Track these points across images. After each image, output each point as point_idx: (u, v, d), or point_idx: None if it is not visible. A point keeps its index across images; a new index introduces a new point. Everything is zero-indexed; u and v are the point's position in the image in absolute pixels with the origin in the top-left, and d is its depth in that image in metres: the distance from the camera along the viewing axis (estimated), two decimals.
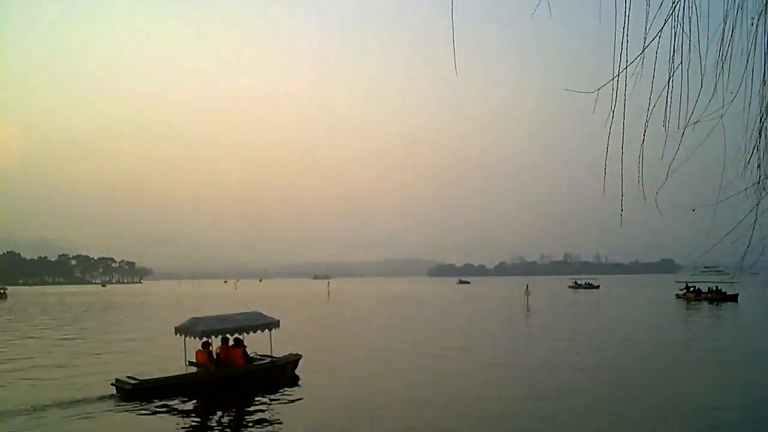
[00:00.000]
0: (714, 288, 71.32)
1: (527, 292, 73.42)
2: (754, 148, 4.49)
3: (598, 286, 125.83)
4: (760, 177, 4.51)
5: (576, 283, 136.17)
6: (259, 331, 20.58)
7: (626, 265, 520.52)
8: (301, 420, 15.34)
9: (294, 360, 21.36)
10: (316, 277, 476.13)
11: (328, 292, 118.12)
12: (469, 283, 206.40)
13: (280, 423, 14.97)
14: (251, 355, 20.20)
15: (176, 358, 21.45)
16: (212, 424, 14.85)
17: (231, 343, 19.89)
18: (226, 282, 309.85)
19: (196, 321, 19.71)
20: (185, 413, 15.86)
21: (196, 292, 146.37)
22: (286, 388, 19.07)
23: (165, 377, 18.13)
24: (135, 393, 17.30)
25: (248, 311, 22.01)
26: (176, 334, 19.97)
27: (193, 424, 14.89)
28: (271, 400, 17.46)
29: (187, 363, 19.76)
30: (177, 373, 18.57)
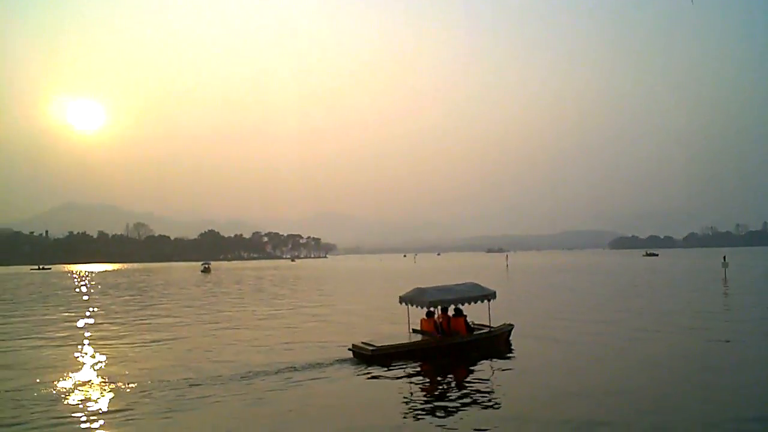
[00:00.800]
0: None
1: (725, 264, 66.04)
2: None
3: None
4: None
5: None
6: (478, 302, 21.02)
7: None
8: (519, 387, 15.38)
9: (509, 330, 21.98)
10: (489, 250, 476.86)
11: (507, 265, 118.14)
12: (657, 255, 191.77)
13: (500, 388, 15.19)
14: (471, 325, 21.04)
15: (388, 324, 24.49)
16: (442, 389, 15.29)
17: (451, 312, 20.69)
18: (405, 256, 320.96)
19: (421, 291, 20.33)
20: (417, 378, 16.44)
21: (379, 265, 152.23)
22: (502, 357, 19.35)
23: (399, 344, 18.96)
24: (373, 358, 18.23)
25: (466, 282, 22.30)
26: (401, 303, 20.90)
27: (426, 388, 15.39)
28: (491, 367, 17.84)
29: (411, 330, 20.88)
30: (405, 341, 19.36)
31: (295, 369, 17.85)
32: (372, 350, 18.39)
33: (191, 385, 16.09)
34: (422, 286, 21.09)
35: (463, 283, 22.01)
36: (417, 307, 20.37)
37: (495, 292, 21.73)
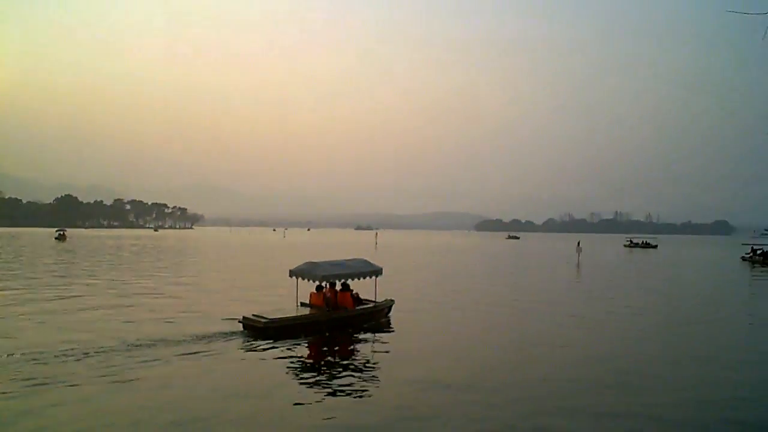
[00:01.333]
0: None
1: (578, 249, 71.30)
2: None
3: (655, 246, 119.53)
4: None
5: (632, 242, 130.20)
6: (366, 278, 21.79)
7: (678, 225, 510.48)
8: (401, 356, 16.28)
9: (390, 305, 22.88)
10: (358, 227, 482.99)
11: (376, 243, 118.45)
12: (518, 238, 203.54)
13: (385, 356, 16.24)
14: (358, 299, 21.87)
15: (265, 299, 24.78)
16: (333, 361, 15.75)
17: (339, 287, 21.24)
18: (274, 230, 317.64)
19: (314, 265, 20.57)
20: (308, 351, 16.74)
21: (248, 238, 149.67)
22: (384, 330, 20.25)
23: (291, 317, 19.06)
24: (266, 330, 18.17)
25: (355, 258, 23.14)
26: (291, 276, 20.85)
27: (317, 361, 15.72)
28: (375, 339, 18.66)
29: (300, 304, 21.04)
30: (294, 314, 19.45)
31: (182, 342, 17.13)
32: (265, 322, 18.34)
33: (38, 363, 14.49)
34: (314, 261, 21.41)
35: (353, 259, 22.73)
36: (308, 280, 20.47)
37: (382, 269, 22.81)
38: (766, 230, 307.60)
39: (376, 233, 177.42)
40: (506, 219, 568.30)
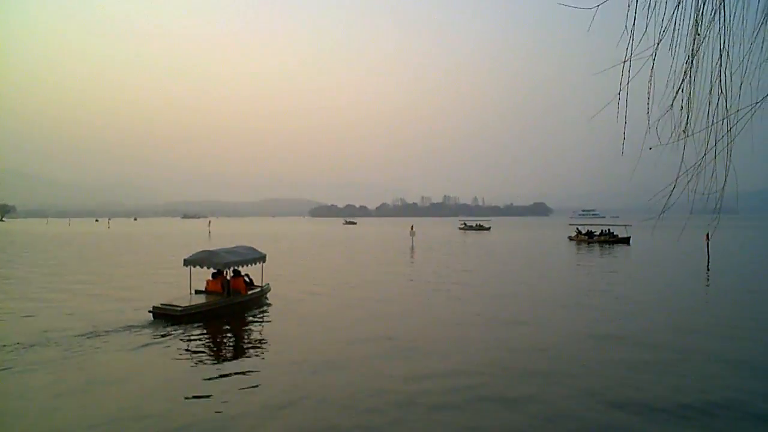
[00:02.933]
0: (606, 231, 73.21)
1: (412, 233, 73.21)
2: (679, 90, 4.46)
3: (488, 228, 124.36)
4: (687, 119, 4.48)
5: (466, 224, 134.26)
6: (256, 264, 23.39)
7: (502, 208, 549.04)
8: (288, 338, 17.14)
9: (269, 289, 24.61)
10: (185, 216, 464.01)
11: (209, 232, 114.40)
12: (355, 223, 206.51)
13: (274, 338, 17.19)
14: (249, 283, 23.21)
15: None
16: (241, 343, 16.70)
17: (231, 274, 22.48)
18: (97, 221, 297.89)
19: (212, 254, 21.37)
20: (225, 335, 17.68)
21: (67, 231, 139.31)
22: (267, 311, 21.62)
23: (202, 303, 19.93)
24: (182, 318, 18.80)
25: (244, 245, 24.49)
26: (186, 265, 21.14)
27: (224, 343, 16.75)
28: (265, 319, 20.17)
29: (194, 291, 21.81)
30: (200, 301, 20.21)
31: (95, 335, 17.04)
32: (181, 310, 18.97)
33: None
34: (210, 249, 22.31)
35: (242, 246, 24.06)
36: (205, 268, 21.27)
37: (266, 255, 24.35)
38: (583, 211, 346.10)
39: (209, 221, 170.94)
40: (341, 204, 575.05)
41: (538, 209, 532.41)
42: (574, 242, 73.05)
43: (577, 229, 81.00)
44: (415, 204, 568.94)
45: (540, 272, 35.73)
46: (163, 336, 17.01)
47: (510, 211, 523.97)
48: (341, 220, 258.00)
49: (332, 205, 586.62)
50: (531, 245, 67.90)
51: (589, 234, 75.36)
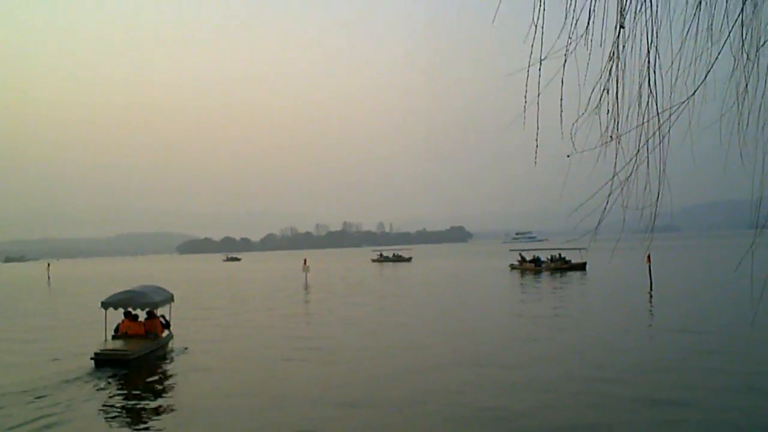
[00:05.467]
0: (558, 256, 72.64)
1: (305, 268, 70.96)
2: (604, 90, 4.61)
3: (409, 259, 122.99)
4: (616, 123, 4.65)
5: (381, 255, 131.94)
6: (166, 305, 25.36)
7: (413, 234, 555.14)
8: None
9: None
10: (7, 259, 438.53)
11: (48, 278, 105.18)
12: (239, 259, 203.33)
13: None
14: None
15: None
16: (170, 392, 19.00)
17: (144, 315, 24.10)
18: None
19: (135, 294, 23.59)
20: (167, 382, 20.29)
21: None
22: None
23: (144, 346, 22.26)
24: (131, 362, 21.10)
25: (152, 285, 27.02)
26: (105, 307, 23.04)
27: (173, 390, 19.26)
28: (186, 362, 22.85)
29: (111, 336, 23.19)
30: (145, 344, 22.56)
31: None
32: (130, 354, 21.19)
33: None
34: (129, 289, 24.58)
35: (151, 285, 26.63)
36: (130, 309, 23.33)
37: (173, 295, 26.47)
38: (517, 234, 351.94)
39: (48, 264, 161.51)
40: (216, 237, 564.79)
41: (456, 234, 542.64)
42: (517, 271, 73.61)
43: (521, 255, 79.22)
44: (308, 234, 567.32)
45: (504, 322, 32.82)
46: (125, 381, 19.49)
47: (423, 237, 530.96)
48: (219, 256, 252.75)
49: (206, 238, 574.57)
50: (469, 279, 67.51)
51: (536, 261, 75.42)
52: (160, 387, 19.47)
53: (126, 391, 18.46)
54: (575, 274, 62.41)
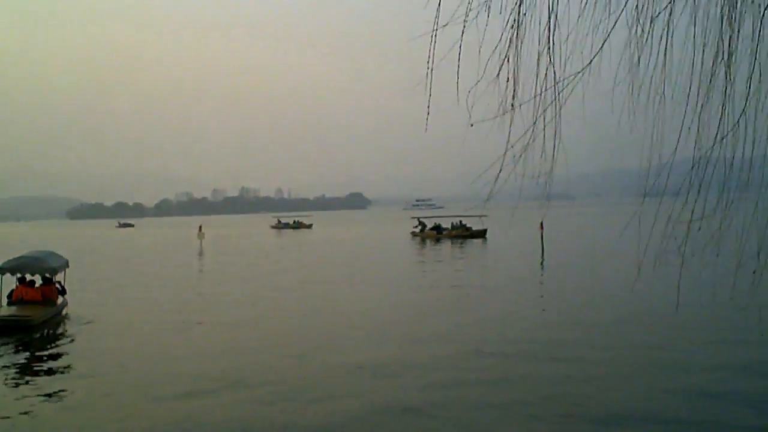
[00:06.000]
0: (458, 223, 72.21)
1: (200, 235, 71.12)
2: (504, 59, 4.61)
3: (310, 225, 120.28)
4: (514, 92, 4.64)
5: (280, 221, 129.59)
6: (62, 271, 24.99)
7: (312, 200, 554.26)
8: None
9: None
10: None
11: None
12: (132, 226, 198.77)
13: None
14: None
15: None
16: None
17: (39, 281, 23.67)
18: None
19: (34, 259, 23.39)
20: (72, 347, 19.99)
21: None
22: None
23: (45, 311, 22.28)
24: (37, 327, 21.22)
25: (47, 250, 26.93)
26: (2, 274, 22.66)
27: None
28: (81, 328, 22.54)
29: (6, 302, 22.75)
30: (44, 309, 22.34)
31: None
32: (37, 319, 21.23)
33: None
34: (25, 254, 24.19)
35: (47, 251, 26.57)
36: (27, 274, 23.14)
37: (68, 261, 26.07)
38: (417, 200, 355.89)
39: None
40: (108, 202, 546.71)
41: (355, 201, 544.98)
42: (418, 239, 73.62)
43: (421, 222, 78.75)
44: (205, 199, 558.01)
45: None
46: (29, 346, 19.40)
47: (322, 203, 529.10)
48: (110, 222, 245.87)
49: (97, 203, 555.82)
50: (370, 245, 67.58)
51: (438, 228, 75.01)
52: (66, 350, 19.36)
53: (33, 355, 18.57)
54: (476, 242, 62.82)
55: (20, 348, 19.14)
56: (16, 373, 16.46)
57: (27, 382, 15.66)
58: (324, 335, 20.41)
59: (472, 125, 4.62)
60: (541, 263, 40.03)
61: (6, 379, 15.78)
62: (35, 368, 17.17)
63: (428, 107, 4.85)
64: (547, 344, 17.79)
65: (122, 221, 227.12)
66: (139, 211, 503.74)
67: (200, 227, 74.40)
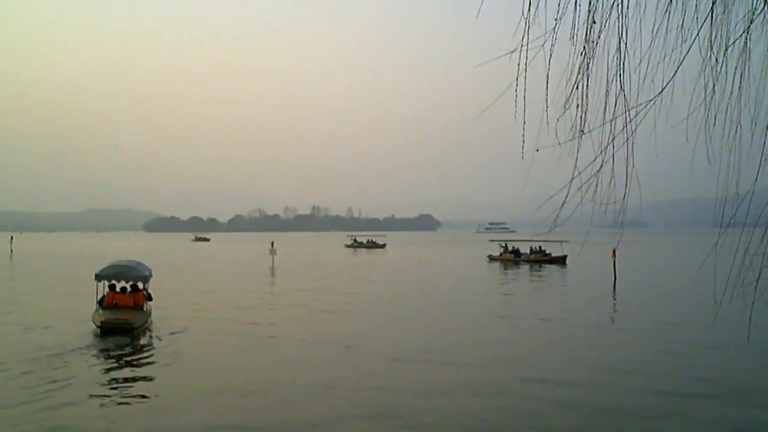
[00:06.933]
0: (538, 248, 70.98)
1: (272, 251, 70.51)
2: (575, 86, 4.71)
3: (383, 245, 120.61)
4: (584, 117, 4.75)
5: (355, 240, 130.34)
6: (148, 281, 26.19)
7: (381, 220, 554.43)
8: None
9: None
10: None
11: (11, 251, 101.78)
12: (208, 240, 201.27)
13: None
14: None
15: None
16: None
17: (129, 289, 25.19)
18: None
19: (126, 268, 25.20)
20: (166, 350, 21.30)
21: None
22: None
23: (142, 316, 24.19)
24: (136, 330, 22.99)
25: (135, 260, 28.28)
26: (98, 280, 24.70)
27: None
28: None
29: (101, 308, 23.93)
30: (143, 313, 24.46)
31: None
32: (136, 323, 23.15)
33: None
34: (122, 262, 26.61)
35: (135, 260, 27.90)
36: (124, 282, 24.98)
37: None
38: (490, 224, 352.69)
39: (11, 237, 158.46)
40: (184, 216, 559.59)
41: (425, 222, 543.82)
42: (497, 262, 71.76)
43: (504, 245, 76.94)
44: (276, 216, 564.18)
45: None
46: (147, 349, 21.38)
47: (392, 224, 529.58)
48: (187, 235, 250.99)
49: (173, 217, 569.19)
50: (451, 268, 65.48)
51: (516, 252, 73.84)
52: (165, 352, 20.70)
53: (135, 357, 19.84)
54: (555, 268, 61.20)
55: (126, 347, 20.92)
56: (126, 373, 17.80)
57: (144, 377, 17.33)
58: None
59: (537, 150, 4.66)
60: (613, 291, 39.15)
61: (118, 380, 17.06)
62: (144, 371, 18.19)
63: (523, 130, 4.80)
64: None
65: (199, 235, 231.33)
66: (213, 225, 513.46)
67: (272, 243, 74.34)
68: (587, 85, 4.69)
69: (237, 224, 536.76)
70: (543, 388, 15.93)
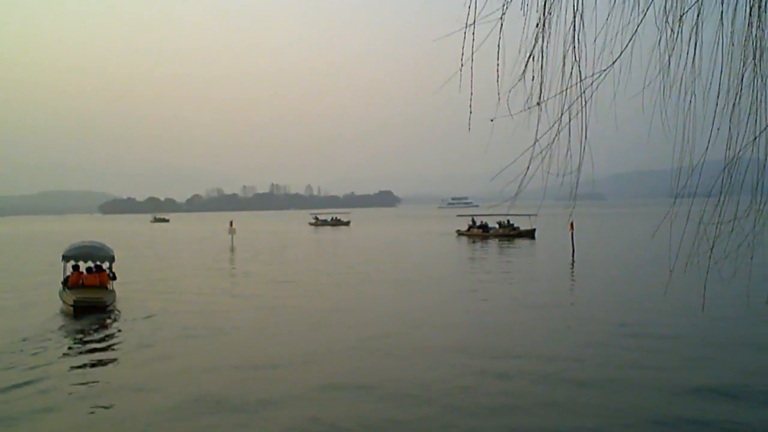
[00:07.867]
0: (506, 222, 69.49)
1: (231, 230, 69.88)
2: (530, 57, 4.65)
3: (348, 222, 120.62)
4: (540, 89, 4.67)
5: (318, 218, 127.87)
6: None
7: (341, 197, 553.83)
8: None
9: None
10: None
11: None
12: (167, 221, 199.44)
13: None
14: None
15: None
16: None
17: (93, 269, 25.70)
18: None
19: (93, 248, 25.88)
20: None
21: None
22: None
23: (109, 295, 24.38)
24: (107, 307, 23.39)
25: (98, 241, 28.53)
26: (66, 261, 25.47)
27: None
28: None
29: (67, 289, 24.30)
30: (109, 292, 24.66)
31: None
32: (107, 301, 23.55)
33: None
34: (87, 243, 27.15)
35: (99, 241, 28.14)
36: (90, 262, 25.54)
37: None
38: (453, 199, 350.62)
39: None
40: (140, 197, 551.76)
41: (385, 198, 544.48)
42: (464, 237, 72.13)
43: (473, 220, 74.92)
44: (235, 195, 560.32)
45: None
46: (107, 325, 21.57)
47: (352, 201, 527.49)
48: (145, 217, 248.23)
49: (129, 198, 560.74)
50: (417, 244, 66.16)
51: (484, 227, 73.00)
52: (139, 328, 21.21)
53: (107, 338, 19.94)
54: (523, 242, 61.18)
55: (100, 325, 21.40)
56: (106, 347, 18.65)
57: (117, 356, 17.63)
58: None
59: (492, 120, 4.66)
60: (572, 263, 39.55)
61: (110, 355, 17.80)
62: (118, 344, 19.00)
63: (470, 107, 4.80)
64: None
65: (158, 216, 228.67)
66: (171, 206, 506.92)
67: (231, 223, 74.16)
68: (544, 57, 4.67)
69: (195, 204, 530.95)
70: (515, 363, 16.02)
